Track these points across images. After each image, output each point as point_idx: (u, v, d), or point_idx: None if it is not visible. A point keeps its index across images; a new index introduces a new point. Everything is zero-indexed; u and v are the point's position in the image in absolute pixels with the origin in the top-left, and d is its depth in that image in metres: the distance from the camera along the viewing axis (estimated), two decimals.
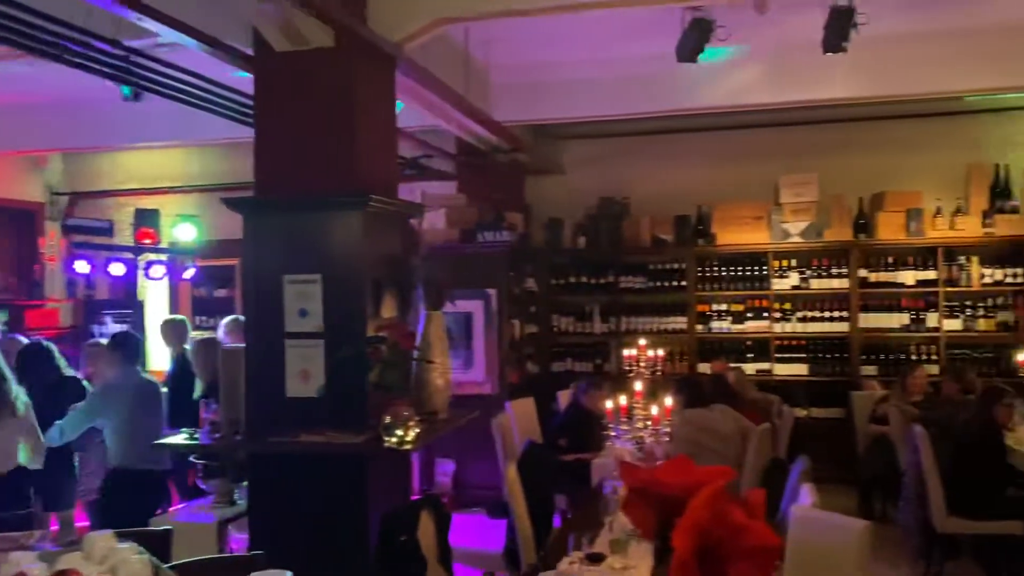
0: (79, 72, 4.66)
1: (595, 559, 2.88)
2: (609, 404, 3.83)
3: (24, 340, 5.95)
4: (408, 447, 3.75)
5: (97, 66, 4.57)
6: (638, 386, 4.00)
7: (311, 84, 4.14)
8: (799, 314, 7.98)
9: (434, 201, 7.54)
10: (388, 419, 3.75)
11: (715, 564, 1.16)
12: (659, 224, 8.31)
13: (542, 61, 6.50)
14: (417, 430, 3.76)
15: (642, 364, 6.12)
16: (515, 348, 7.74)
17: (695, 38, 4.86)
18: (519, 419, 6.32)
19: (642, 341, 6.41)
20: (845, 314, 7.83)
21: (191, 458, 4.42)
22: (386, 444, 3.74)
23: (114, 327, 8.77)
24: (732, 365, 7.32)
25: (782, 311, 8.01)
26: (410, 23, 4.28)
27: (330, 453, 3.87)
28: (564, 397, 6.86)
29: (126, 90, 5.74)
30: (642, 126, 8.23)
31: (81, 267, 8.91)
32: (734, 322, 8.11)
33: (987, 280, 7.58)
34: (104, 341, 6.09)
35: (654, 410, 3.58)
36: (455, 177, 8.30)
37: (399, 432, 3.75)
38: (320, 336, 4.09)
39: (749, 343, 8.08)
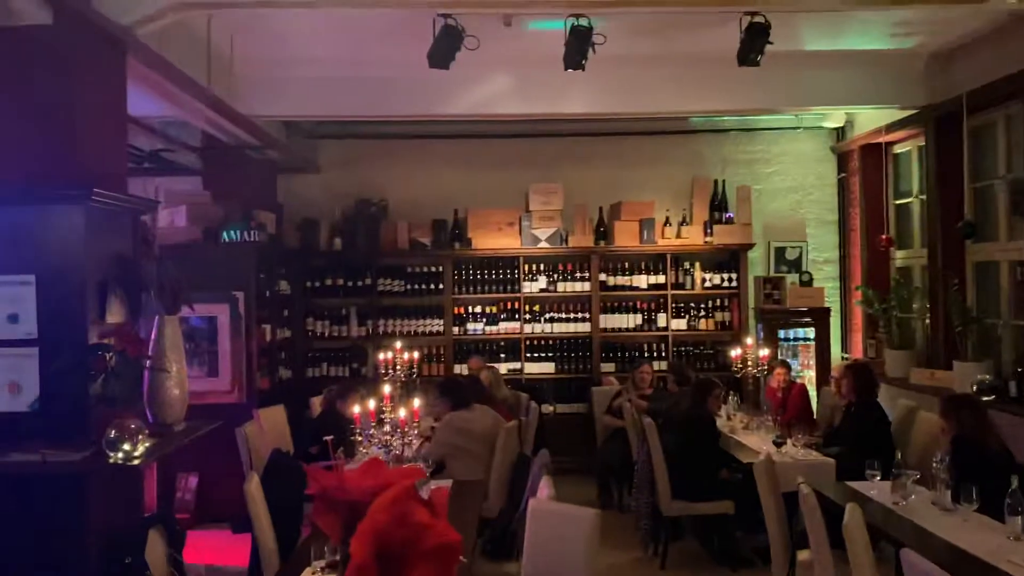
0: None
1: (336, 567, 2.84)
2: (357, 409, 3.79)
3: None
4: (136, 462, 3.47)
5: None
6: (387, 389, 3.99)
7: (23, 63, 3.72)
8: (547, 316, 8.39)
9: (174, 197, 7.06)
10: (113, 433, 3.45)
11: (395, 567, 1.17)
12: (417, 227, 8.38)
13: (294, 57, 6.33)
14: (147, 444, 3.49)
15: (398, 367, 6.13)
16: (265, 354, 7.45)
17: (446, 45, 4.95)
18: (269, 427, 6.09)
19: (398, 344, 6.42)
20: (587, 315, 8.34)
21: None
22: (111, 460, 3.44)
23: None
24: (487, 364, 7.54)
25: (532, 313, 8.38)
26: (143, 6, 3.99)
27: (46, 473, 3.49)
28: (317, 403, 6.71)
29: None
30: (399, 129, 8.28)
31: None
32: (488, 324, 8.36)
33: (708, 284, 8.42)
34: None
35: (402, 413, 3.59)
36: (200, 173, 7.84)
37: (126, 447, 3.46)
38: (33, 343, 3.69)
39: (502, 344, 8.37)
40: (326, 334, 8.39)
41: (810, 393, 7.19)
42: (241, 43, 5.90)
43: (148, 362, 3.89)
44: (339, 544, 1.48)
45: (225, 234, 6.98)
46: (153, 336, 4.00)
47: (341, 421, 5.81)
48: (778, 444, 5.48)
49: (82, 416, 3.67)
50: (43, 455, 3.49)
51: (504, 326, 8.36)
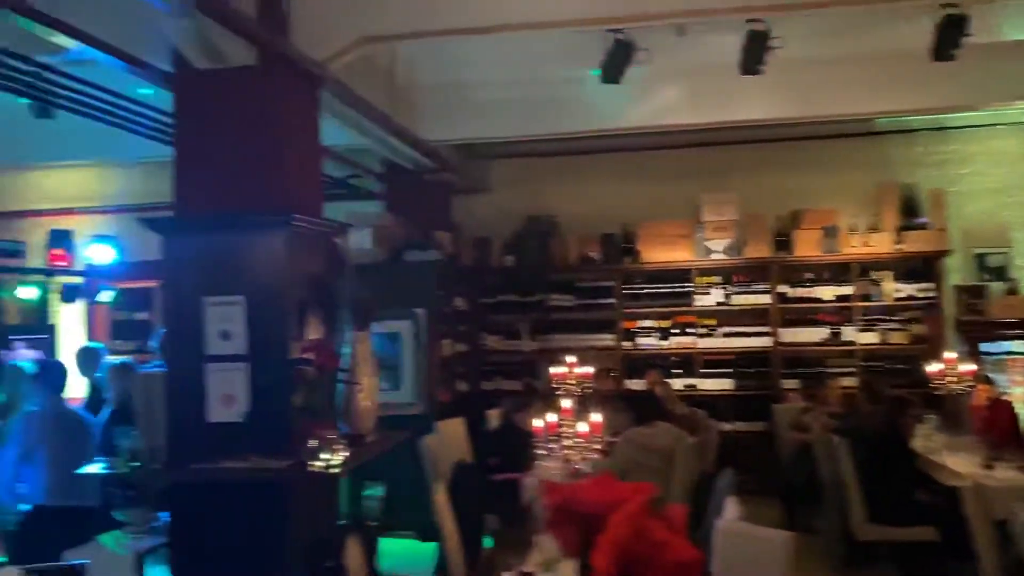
0: None
1: None
2: (538, 422, 3.84)
3: None
4: (335, 471, 3.69)
5: (4, 81, 4.40)
6: (566, 403, 4.01)
7: (233, 102, 4.07)
8: (723, 330, 8.15)
9: (360, 220, 7.46)
10: (314, 443, 3.68)
11: None
12: (586, 242, 8.41)
13: (467, 81, 6.54)
14: (344, 454, 3.70)
15: (571, 381, 6.15)
16: (444, 367, 7.70)
17: (618, 60, 4.96)
18: (449, 439, 6.28)
19: (570, 358, 6.45)
20: (766, 329, 8.04)
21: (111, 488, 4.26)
22: (312, 468, 3.66)
23: (26, 353, 8.39)
24: (662, 380, 7.42)
25: (706, 327, 8.18)
26: (334, 42, 4.25)
27: (254, 480, 3.77)
28: (494, 416, 6.85)
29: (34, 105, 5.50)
30: (568, 146, 8.35)
31: None
32: (660, 338, 8.23)
33: (899, 295, 7.88)
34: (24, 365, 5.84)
35: (582, 427, 3.60)
36: (382, 196, 8.26)
37: (325, 456, 3.68)
38: (243, 359, 4.00)
39: (675, 359, 8.21)
40: (500, 348, 8.56)
41: (1019, 412, 6.55)
42: (419, 71, 6.17)
43: (342, 376, 4.13)
44: (573, 555, 1.50)
45: (406, 254, 7.30)
46: (346, 351, 4.24)
47: (519, 434, 5.90)
48: (988, 466, 5.04)
49: (285, 426, 3.94)
50: (252, 462, 3.78)
51: (677, 340, 8.21)
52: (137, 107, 5.21)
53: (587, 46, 5.00)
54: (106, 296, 8.90)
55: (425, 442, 5.88)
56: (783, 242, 8.08)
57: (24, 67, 4.31)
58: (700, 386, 8.10)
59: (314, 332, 4.27)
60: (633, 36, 4.88)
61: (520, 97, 6.64)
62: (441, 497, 4.07)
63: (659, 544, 1.21)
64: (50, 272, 8.96)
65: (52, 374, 4.96)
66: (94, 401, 5.63)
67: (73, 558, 3.39)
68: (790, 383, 7.93)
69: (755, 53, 4.79)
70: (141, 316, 9.20)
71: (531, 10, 4.23)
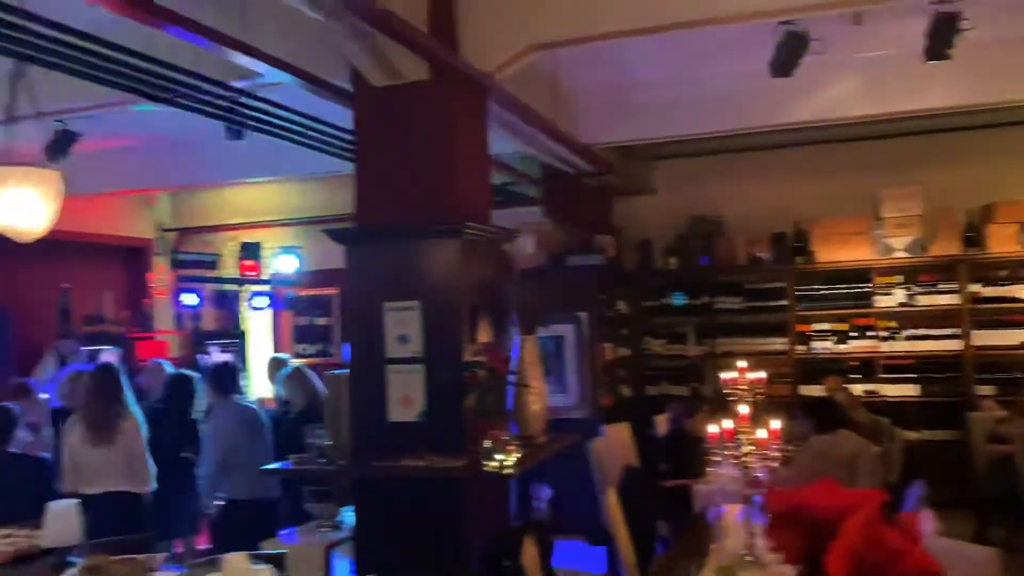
0: (185, 113, 4.90)
1: None
2: (713, 428, 3.74)
3: (169, 367, 6.30)
4: (509, 472, 3.76)
5: (205, 107, 4.80)
6: (743, 409, 3.89)
7: (407, 117, 4.24)
8: (906, 332, 7.65)
9: (523, 226, 7.58)
10: (488, 443, 3.77)
11: None
12: (755, 242, 8.15)
13: (628, 82, 6.49)
14: (517, 455, 3.76)
15: (742, 387, 5.96)
16: (608, 372, 7.68)
17: (790, 52, 4.77)
18: (615, 444, 6.25)
19: (741, 363, 6.25)
20: (956, 331, 7.47)
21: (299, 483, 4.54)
22: (486, 468, 3.75)
23: (220, 356, 9.12)
24: (843, 385, 7.08)
25: (888, 329, 7.71)
26: (502, 52, 4.34)
27: (432, 477, 3.91)
28: (661, 421, 6.75)
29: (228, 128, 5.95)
30: (734, 143, 8.10)
31: (188, 299, 9.34)
32: (837, 342, 7.84)
33: None
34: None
35: (761, 434, 3.47)
36: (541, 202, 8.34)
37: (499, 457, 3.76)
38: (420, 361, 4.15)
39: (853, 363, 7.79)
40: (664, 352, 8.44)
41: None
42: (580, 73, 6.19)
43: (512, 379, 4.21)
44: (795, 562, 1.47)
45: (568, 259, 7.34)
46: (515, 354, 4.32)
47: (689, 439, 5.79)
48: None
49: (459, 427, 4.06)
50: (430, 461, 3.92)
51: (855, 344, 7.78)
52: (319, 125, 5.54)
53: (754, 39, 4.84)
54: (289, 303, 9.52)
55: (592, 446, 5.88)
56: (974, 238, 7.49)
57: (221, 92, 4.67)
58: (882, 392, 7.64)
59: (485, 336, 4.38)
60: (805, 27, 4.68)
61: (684, 95, 6.51)
62: (613, 501, 4.06)
63: (897, 552, 1.15)
64: (241, 281, 9.70)
65: (224, 375, 5.39)
66: (282, 403, 6.04)
67: (268, 549, 3.64)
68: (985, 389, 7.33)
69: (943, 37, 4.47)
70: (321, 321, 9.79)
71: (703, 7, 4.14)
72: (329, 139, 5.76)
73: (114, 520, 3.95)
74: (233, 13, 4.02)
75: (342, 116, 4.85)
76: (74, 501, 3.26)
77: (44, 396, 6.42)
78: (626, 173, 8.17)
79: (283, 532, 4.50)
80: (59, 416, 5.80)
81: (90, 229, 8.69)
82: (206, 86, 4.49)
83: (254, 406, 5.52)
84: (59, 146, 5.78)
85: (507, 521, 4.54)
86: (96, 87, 4.35)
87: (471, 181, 4.46)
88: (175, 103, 4.59)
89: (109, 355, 8.27)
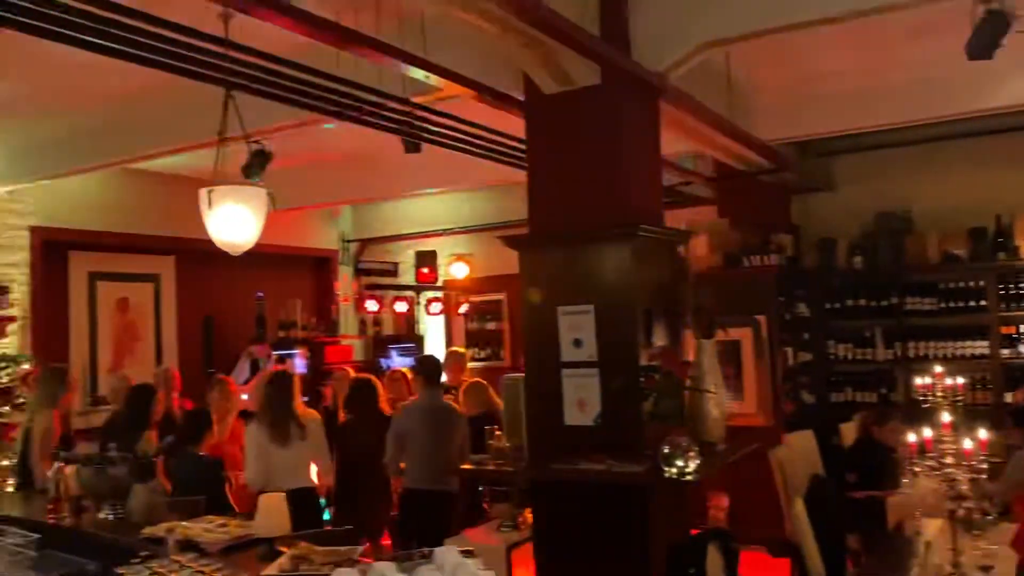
0: (365, 129, 5.15)
1: None
2: (911, 437, 3.51)
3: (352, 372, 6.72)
4: (689, 478, 3.68)
5: (387, 123, 5.03)
6: (946, 417, 3.62)
7: (579, 121, 4.26)
8: None
9: (696, 227, 7.43)
10: (667, 449, 3.71)
11: None
12: (949, 239, 7.56)
13: (809, 75, 6.21)
14: (697, 461, 3.68)
15: (939, 393, 5.55)
16: (788, 377, 7.37)
17: (990, 32, 4.38)
18: (798, 452, 5.98)
19: (938, 368, 5.82)
20: None
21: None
22: (666, 474, 3.69)
23: (399, 360, 9.54)
24: None
25: None
26: (674, 51, 4.28)
27: (611, 482, 3.90)
28: (847, 429, 6.40)
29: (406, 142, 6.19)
30: (925, 132, 7.54)
31: (370, 306, 9.82)
32: None
33: None
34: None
35: (967, 444, 3.22)
36: (715, 201, 8.14)
37: (679, 463, 3.69)
38: (594, 365, 4.16)
39: None
40: (849, 357, 7.98)
41: None
42: (754, 68, 5.99)
43: (690, 383, 4.13)
44: None
45: (744, 259, 7.12)
46: (693, 358, 4.23)
47: (879, 449, 5.46)
48: None
49: (637, 431, 4.02)
50: (608, 465, 3.91)
51: None
52: (492, 135, 5.67)
53: (947, 21, 4.49)
54: (462, 308, 9.81)
55: (774, 454, 5.66)
56: None
57: (401, 108, 4.88)
58: None
59: (661, 339, 4.32)
60: (1009, 4, 4.29)
61: (870, 85, 6.15)
62: (800, 512, 3.89)
63: None
64: (418, 288, 10.10)
65: (426, 367, 5.61)
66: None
67: (451, 545, 3.75)
68: None
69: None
70: (491, 326, 10.03)
71: None
72: (501, 148, 5.88)
73: (300, 516, 4.21)
74: (414, 31, 4.20)
75: (514, 125, 4.94)
76: (283, 494, 3.50)
77: (244, 397, 6.96)
78: (804, 169, 7.83)
79: (465, 531, 4.63)
80: (250, 416, 6.27)
81: (282, 241, 9.33)
82: (388, 102, 4.71)
83: (447, 403, 5.71)
84: (256, 165, 6.24)
85: (687, 528, 4.46)
86: (288, 108, 4.67)
87: (643, 182, 4.42)
88: (360, 120, 4.84)
89: (298, 359, 8.86)
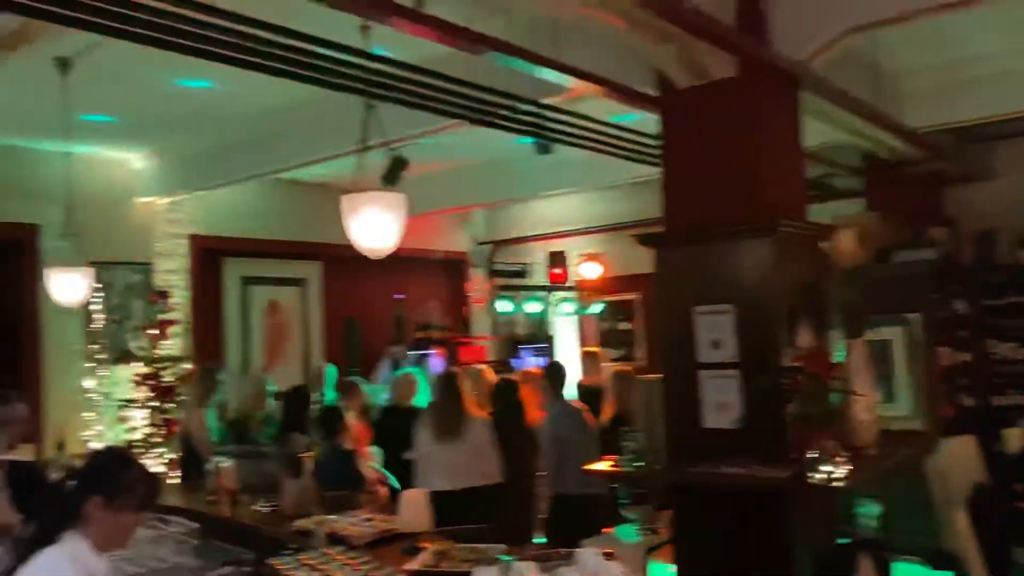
0: (496, 132, 5.20)
1: None
2: None
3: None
4: (838, 484, 3.52)
5: (519, 126, 5.07)
6: None
7: (715, 115, 4.15)
8: None
9: (843, 221, 7.08)
10: (814, 454, 3.56)
11: None
12: None
13: (961, 56, 5.80)
14: (848, 467, 3.51)
15: None
16: (945, 379, 6.91)
17: None
18: (958, 459, 5.58)
19: None
20: None
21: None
22: (813, 480, 3.54)
23: (531, 360, 9.61)
24: None
25: None
26: (816, 38, 4.10)
27: (754, 487, 3.77)
28: (1012, 436, 5.95)
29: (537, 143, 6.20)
30: None
31: (502, 306, 9.95)
32: None
33: None
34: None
35: None
36: (862, 194, 7.74)
37: (826, 468, 3.53)
38: (734, 367, 4.04)
39: None
40: (1013, 358, 7.40)
41: None
42: (903, 52, 5.66)
43: (838, 385, 3.93)
44: None
45: (895, 254, 6.74)
46: (840, 360, 4.03)
47: None
48: None
49: (780, 435, 3.87)
50: (751, 469, 3.79)
51: None
52: (624, 133, 5.61)
53: None
54: (595, 308, 9.77)
55: (932, 460, 5.31)
56: None
57: (533, 110, 4.91)
58: None
59: (805, 339, 4.14)
60: None
61: None
62: (962, 523, 3.64)
63: None
64: (549, 288, 10.14)
65: (553, 374, 5.62)
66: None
67: (592, 546, 3.73)
68: None
69: None
70: (623, 326, 9.94)
71: None
72: (634, 146, 5.82)
73: (462, 513, 4.29)
74: (544, 32, 4.21)
75: (647, 122, 4.87)
76: (425, 491, 3.59)
77: (384, 396, 7.18)
78: (960, 157, 7.33)
79: (605, 533, 4.60)
80: (390, 413, 6.46)
81: (418, 245, 9.60)
82: (520, 105, 4.74)
83: (578, 407, 5.71)
84: (393, 172, 6.43)
85: (834, 537, 4.26)
86: (424, 115, 4.79)
87: (784, 176, 4.26)
88: (493, 124, 4.90)
89: (435, 359, 9.09)
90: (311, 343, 9.33)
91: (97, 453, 3.17)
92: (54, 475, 4.33)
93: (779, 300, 3.98)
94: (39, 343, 7.24)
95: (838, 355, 4.04)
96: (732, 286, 4.06)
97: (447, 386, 5.17)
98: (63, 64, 5.00)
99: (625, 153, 5.95)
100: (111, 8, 3.06)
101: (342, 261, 7.85)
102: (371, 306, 9.68)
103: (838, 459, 3.53)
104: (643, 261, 4.51)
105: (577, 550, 1.99)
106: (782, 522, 3.79)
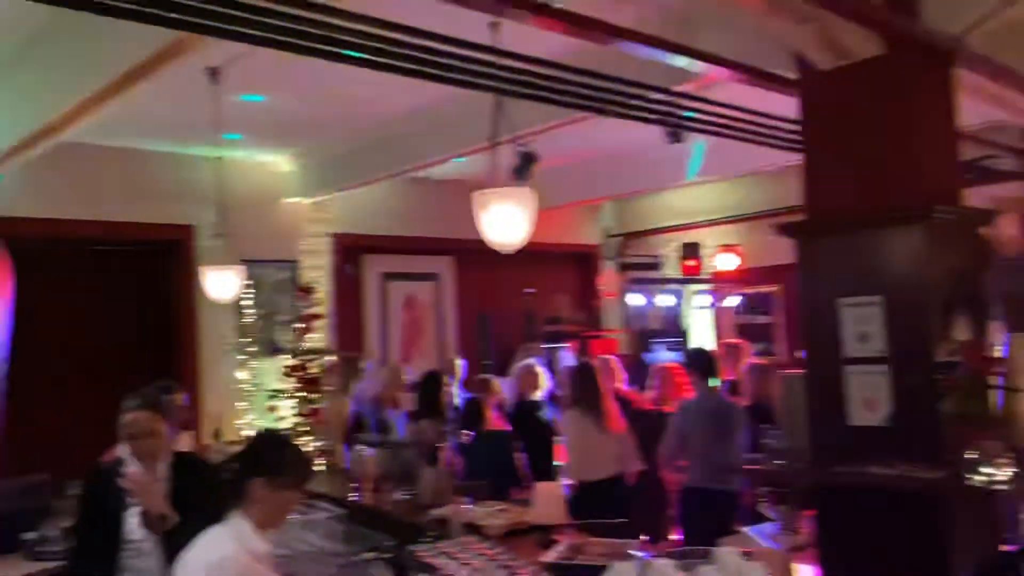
0: (626, 123, 5.13)
1: None
2: None
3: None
4: (1000, 487, 3.28)
5: (650, 115, 4.99)
6: None
7: (860, 97, 3.94)
8: None
9: (1003, 205, 6.59)
10: (973, 454, 3.33)
11: None
12: None
13: None
14: (1012, 469, 3.26)
15: None
16: None
17: None
18: None
19: None
20: None
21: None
22: (971, 483, 3.31)
23: (664, 355, 9.47)
24: None
25: None
26: (973, 9, 3.82)
27: (906, 489, 3.56)
28: None
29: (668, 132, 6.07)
30: None
31: (635, 300, 9.85)
32: None
33: None
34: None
35: None
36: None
37: (987, 470, 3.30)
38: (883, 361, 3.83)
39: None
40: None
41: None
42: None
43: (1001, 381, 3.66)
44: None
45: None
46: (1003, 354, 3.75)
47: None
48: None
49: (934, 434, 3.64)
50: (902, 470, 3.58)
51: None
52: (760, 119, 5.43)
53: None
54: (731, 301, 9.52)
55: None
56: None
57: (664, 98, 4.82)
58: None
59: (962, 333, 3.88)
60: None
61: None
62: None
63: None
64: (683, 281, 9.96)
65: (700, 362, 5.49)
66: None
67: (728, 545, 3.63)
68: None
69: None
70: (762, 319, 9.62)
71: None
72: (771, 131, 5.61)
73: (605, 503, 4.29)
74: (675, 18, 4.13)
75: (785, 106, 4.69)
76: (560, 483, 3.61)
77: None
78: None
79: (743, 530, 4.47)
80: (517, 407, 6.52)
81: (547, 239, 9.63)
82: (651, 94, 4.67)
83: (727, 399, 5.56)
84: (524, 167, 6.48)
85: (997, 543, 3.97)
86: (553, 108, 4.79)
87: (936, 158, 4.00)
88: (624, 115, 4.84)
89: (566, 353, 9.10)
90: (446, 336, 9.55)
91: (256, 437, 3.38)
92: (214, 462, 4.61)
93: (933, 291, 3.75)
94: (196, 337, 7.74)
95: (999, 349, 3.77)
96: (881, 276, 3.84)
97: (584, 377, 5.18)
98: (213, 73, 5.31)
99: (763, 139, 5.75)
100: (259, 19, 3.22)
101: (473, 256, 7.97)
102: (502, 300, 9.81)
103: (1001, 461, 3.29)
104: (783, 251, 4.34)
105: (717, 549, 1.94)
106: (937, 527, 3.57)
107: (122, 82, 4.44)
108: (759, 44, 4.31)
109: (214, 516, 2.72)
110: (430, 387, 6.34)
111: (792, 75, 4.23)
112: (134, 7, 2.87)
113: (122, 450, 3.50)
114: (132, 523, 3.32)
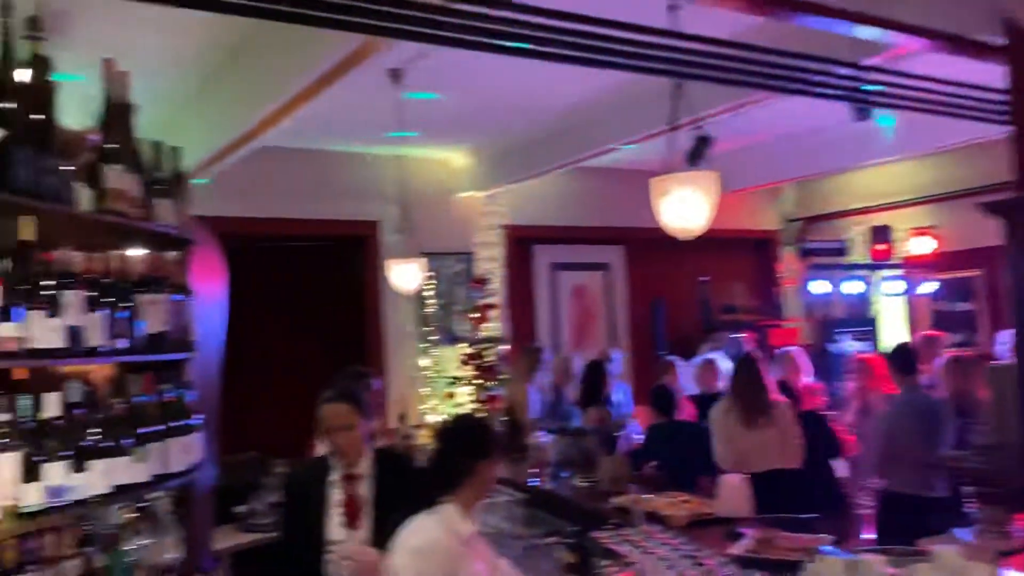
0: (807, 102, 4.87)
1: None
2: None
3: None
4: None
5: (835, 91, 4.72)
6: None
7: None
8: None
9: None
10: None
11: None
12: None
13: None
14: None
15: None
16: None
17: None
18: None
19: None
20: None
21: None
22: None
23: (849, 344, 8.96)
24: None
25: None
26: None
27: None
28: None
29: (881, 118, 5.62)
30: None
31: (818, 287, 9.39)
32: None
33: None
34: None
35: None
36: None
37: None
38: None
39: None
40: None
41: None
42: None
43: None
44: None
45: None
46: None
47: None
48: None
49: None
50: None
51: None
52: (961, 90, 5.01)
53: None
54: (927, 287, 8.88)
55: None
56: None
57: (853, 73, 4.54)
58: None
59: None
60: None
61: None
62: None
63: None
64: (872, 266, 9.39)
65: (900, 357, 5.15)
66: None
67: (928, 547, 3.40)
68: None
69: None
70: (963, 307, 8.90)
71: None
72: (971, 103, 5.16)
73: (774, 497, 4.12)
74: None
75: (981, 75, 4.31)
76: (746, 476, 3.51)
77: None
78: None
79: (947, 533, 4.17)
80: (697, 402, 6.36)
81: (724, 225, 9.32)
82: (838, 69, 4.42)
83: (933, 397, 5.20)
84: (698, 151, 6.32)
85: None
86: (731, 89, 4.63)
87: None
88: (807, 92, 4.61)
89: (744, 343, 8.80)
90: (617, 325, 9.52)
91: (459, 421, 3.52)
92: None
93: None
94: (381, 326, 8.14)
95: None
96: None
97: (748, 370, 4.99)
98: (395, 75, 5.54)
99: (963, 112, 5.30)
100: (437, 18, 3.32)
101: (645, 244, 7.89)
102: (675, 288, 9.65)
103: None
104: (987, 233, 4.00)
105: (935, 547, 1.82)
106: None
107: (314, 87, 4.74)
108: (958, 8, 3.98)
109: (416, 508, 2.81)
110: (593, 376, 6.33)
111: (999, 40, 3.89)
112: (331, 16, 3.03)
113: (322, 447, 3.57)
114: (333, 524, 3.30)
